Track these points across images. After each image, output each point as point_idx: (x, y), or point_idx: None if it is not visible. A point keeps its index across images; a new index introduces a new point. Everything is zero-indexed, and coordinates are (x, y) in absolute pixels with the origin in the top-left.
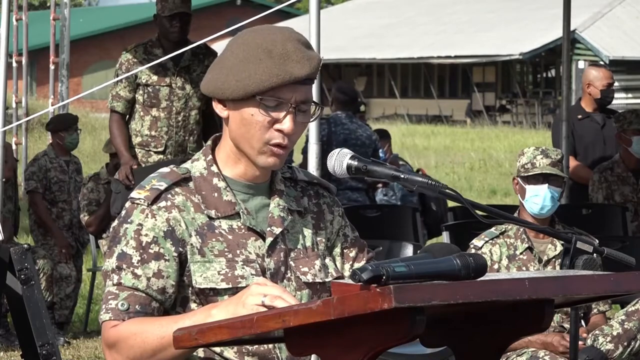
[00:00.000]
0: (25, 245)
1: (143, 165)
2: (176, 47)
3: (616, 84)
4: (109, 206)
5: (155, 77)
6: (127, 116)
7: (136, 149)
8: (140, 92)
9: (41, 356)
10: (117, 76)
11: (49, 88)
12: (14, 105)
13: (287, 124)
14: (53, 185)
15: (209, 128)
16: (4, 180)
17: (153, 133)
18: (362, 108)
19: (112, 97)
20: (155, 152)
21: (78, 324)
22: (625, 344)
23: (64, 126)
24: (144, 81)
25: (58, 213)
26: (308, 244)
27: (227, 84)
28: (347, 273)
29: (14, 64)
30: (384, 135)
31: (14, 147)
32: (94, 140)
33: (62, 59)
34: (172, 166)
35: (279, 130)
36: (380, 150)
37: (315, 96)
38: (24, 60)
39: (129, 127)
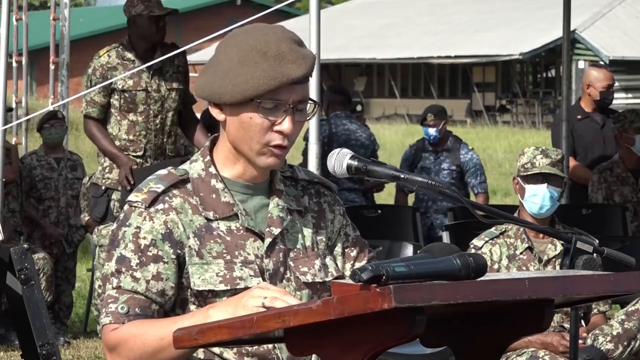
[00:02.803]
0: (25, 245)
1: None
2: (150, 49)
3: (616, 84)
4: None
5: (130, 82)
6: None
7: None
8: (116, 97)
9: (41, 356)
10: (91, 81)
11: (49, 88)
12: (14, 105)
13: (286, 124)
14: (38, 183)
15: (188, 120)
16: (4, 180)
17: (131, 137)
18: (359, 108)
19: (87, 103)
20: (134, 156)
21: (78, 324)
22: (625, 343)
23: (40, 124)
24: (120, 87)
25: (44, 211)
26: (308, 243)
27: (224, 88)
28: (348, 272)
29: (14, 64)
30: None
31: None
32: None
33: (62, 59)
34: (170, 168)
35: (279, 132)
36: (435, 129)
37: (314, 96)
38: (24, 60)
39: None
